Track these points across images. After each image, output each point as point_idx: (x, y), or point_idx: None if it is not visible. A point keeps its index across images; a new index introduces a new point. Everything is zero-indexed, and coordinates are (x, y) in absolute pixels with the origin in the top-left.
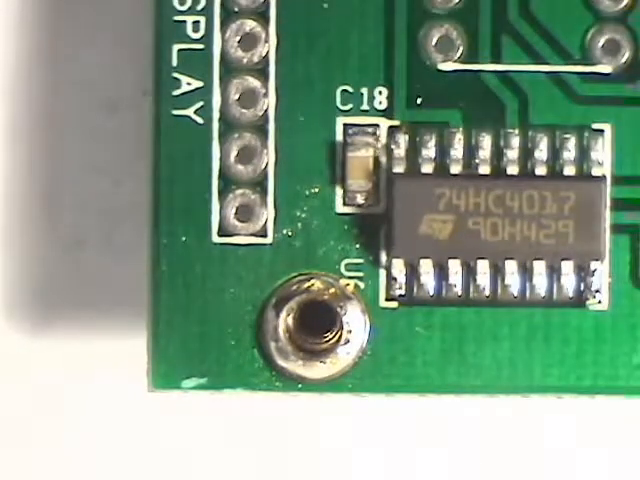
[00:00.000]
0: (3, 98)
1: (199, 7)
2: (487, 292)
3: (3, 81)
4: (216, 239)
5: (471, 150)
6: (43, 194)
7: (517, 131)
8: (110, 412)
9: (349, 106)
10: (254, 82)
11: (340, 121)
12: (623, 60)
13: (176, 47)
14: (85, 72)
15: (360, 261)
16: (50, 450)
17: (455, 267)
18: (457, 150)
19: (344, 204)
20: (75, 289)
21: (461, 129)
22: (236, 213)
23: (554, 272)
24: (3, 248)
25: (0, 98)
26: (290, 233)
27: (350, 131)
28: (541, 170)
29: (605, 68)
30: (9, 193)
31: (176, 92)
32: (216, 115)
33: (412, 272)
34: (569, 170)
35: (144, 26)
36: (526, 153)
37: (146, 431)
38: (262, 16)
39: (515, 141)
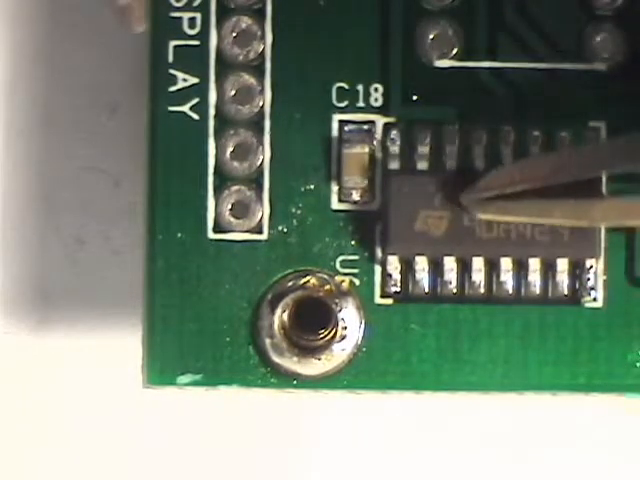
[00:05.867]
0: (3, 98)
1: (195, 3)
2: (482, 289)
3: (3, 81)
4: (211, 235)
5: (467, 147)
6: (43, 194)
7: (512, 128)
8: (106, 408)
9: (345, 103)
10: (250, 79)
11: (336, 118)
12: (618, 58)
13: (172, 43)
14: (84, 72)
15: (355, 258)
16: (49, 448)
17: (450, 264)
18: (452, 147)
19: (339, 201)
20: (75, 289)
21: (456, 126)
22: (231, 209)
23: (549, 269)
24: (3, 248)
25: (0, 98)
26: (285, 230)
27: (346, 128)
28: None
29: (600, 66)
30: (9, 193)
31: (172, 88)
32: (212, 111)
33: (407, 269)
34: None
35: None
36: (521, 150)
37: (142, 427)
38: (258, 13)
39: (510, 138)
